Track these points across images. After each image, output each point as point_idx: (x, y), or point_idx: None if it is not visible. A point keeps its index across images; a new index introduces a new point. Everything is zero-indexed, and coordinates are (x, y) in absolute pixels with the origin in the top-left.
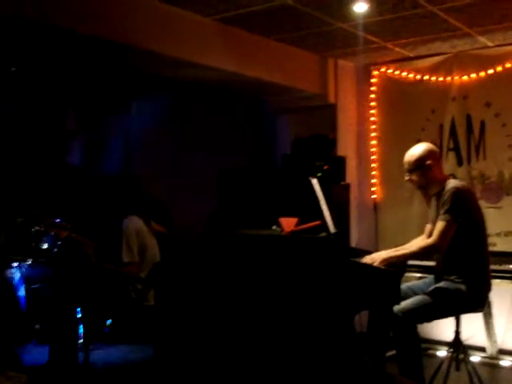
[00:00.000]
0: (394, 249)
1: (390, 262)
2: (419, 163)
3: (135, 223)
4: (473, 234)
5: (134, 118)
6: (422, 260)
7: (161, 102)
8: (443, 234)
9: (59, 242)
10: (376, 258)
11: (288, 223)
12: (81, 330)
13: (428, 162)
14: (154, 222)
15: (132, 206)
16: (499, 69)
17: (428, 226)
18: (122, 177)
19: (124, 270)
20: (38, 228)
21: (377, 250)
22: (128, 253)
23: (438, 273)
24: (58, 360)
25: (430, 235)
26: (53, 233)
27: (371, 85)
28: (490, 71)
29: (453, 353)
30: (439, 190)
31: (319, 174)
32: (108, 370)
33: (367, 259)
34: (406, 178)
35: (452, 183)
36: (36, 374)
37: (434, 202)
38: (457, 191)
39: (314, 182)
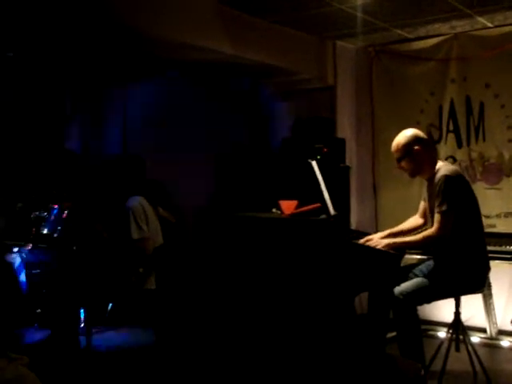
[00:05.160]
0: (388, 230)
1: (391, 248)
2: (407, 149)
3: (141, 201)
4: (468, 220)
5: (131, 104)
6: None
7: (158, 85)
8: (442, 224)
9: (59, 227)
10: (377, 243)
11: (288, 206)
12: (82, 314)
13: (416, 147)
14: (162, 209)
15: (135, 188)
16: (499, 50)
17: (422, 204)
18: (125, 159)
19: (135, 245)
20: (37, 213)
21: (377, 232)
22: (137, 230)
23: (437, 255)
24: (59, 344)
25: (423, 214)
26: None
27: (370, 66)
28: (490, 52)
29: (453, 334)
30: (431, 175)
31: (319, 157)
32: (109, 353)
33: (368, 242)
34: (397, 167)
35: (443, 170)
36: (37, 357)
37: (426, 183)
38: (447, 179)
39: (314, 164)
